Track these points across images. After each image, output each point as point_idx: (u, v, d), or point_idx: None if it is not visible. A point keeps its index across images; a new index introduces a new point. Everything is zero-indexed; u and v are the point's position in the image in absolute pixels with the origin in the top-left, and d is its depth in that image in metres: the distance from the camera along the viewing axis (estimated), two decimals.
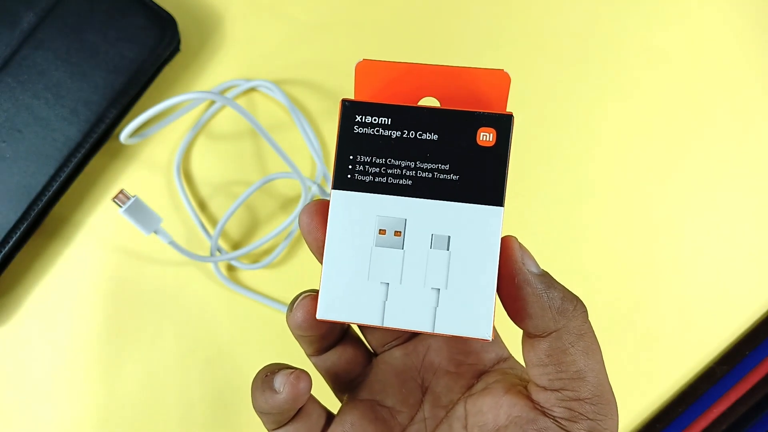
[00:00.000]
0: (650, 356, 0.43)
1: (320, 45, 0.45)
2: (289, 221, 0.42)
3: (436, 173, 0.21)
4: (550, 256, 0.43)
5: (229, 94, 0.43)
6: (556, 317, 0.21)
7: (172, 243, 0.40)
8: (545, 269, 0.22)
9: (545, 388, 0.22)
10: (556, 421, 0.21)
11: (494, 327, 0.26)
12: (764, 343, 0.43)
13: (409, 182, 0.21)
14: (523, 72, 0.45)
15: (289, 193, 0.43)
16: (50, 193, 0.40)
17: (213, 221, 0.43)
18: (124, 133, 0.40)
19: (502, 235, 0.21)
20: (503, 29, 0.46)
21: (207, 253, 0.42)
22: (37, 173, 0.40)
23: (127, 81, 0.41)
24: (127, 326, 0.42)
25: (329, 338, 0.25)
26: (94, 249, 0.42)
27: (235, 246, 0.43)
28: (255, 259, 0.43)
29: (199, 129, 0.43)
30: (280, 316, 0.41)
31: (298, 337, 0.24)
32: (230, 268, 0.43)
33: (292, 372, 0.22)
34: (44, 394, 0.41)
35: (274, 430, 0.24)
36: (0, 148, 0.40)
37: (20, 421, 0.41)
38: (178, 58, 0.44)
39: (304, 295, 0.23)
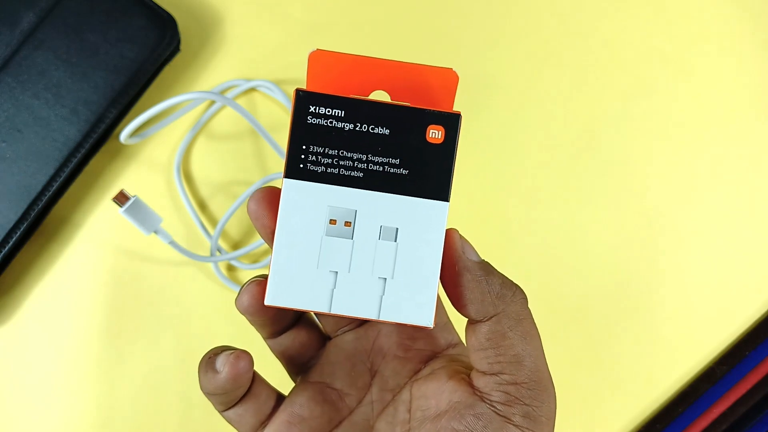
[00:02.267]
0: (650, 356, 0.43)
1: (320, 45, 0.45)
2: None
3: (386, 167, 0.22)
4: (551, 256, 0.44)
5: (229, 94, 0.43)
6: (495, 302, 0.22)
7: (172, 243, 0.40)
8: (486, 259, 0.23)
9: (485, 373, 0.22)
10: (493, 405, 0.22)
11: (445, 314, 0.26)
12: (764, 343, 0.43)
13: (360, 174, 0.22)
14: (523, 72, 0.45)
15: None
16: (50, 193, 0.40)
17: (213, 221, 0.43)
18: (124, 133, 0.40)
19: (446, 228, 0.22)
20: (504, 30, 0.46)
21: (207, 253, 0.42)
22: (37, 173, 0.40)
23: (127, 81, 0.41)
24: (127, 326, 0.42)
25: (282, 322, 0.26)
26: (94, 249, 0.42)
27: (235, 246, 0.43)
28: (255, 259, 0.43)
29: (199, 129, 0.43)
30: None
31: (250, 321, 0.25)
32: (230, 268, 0.43)
33: (232, 352, 0.23)
34: (44, 394, 0.41)
35: (223, 411, 0.25)
36: (0, 148, 0.40)
37: (20, 421, 0.41)
38: (178, 58, 0.44)
39: (251, 279, 0.23)
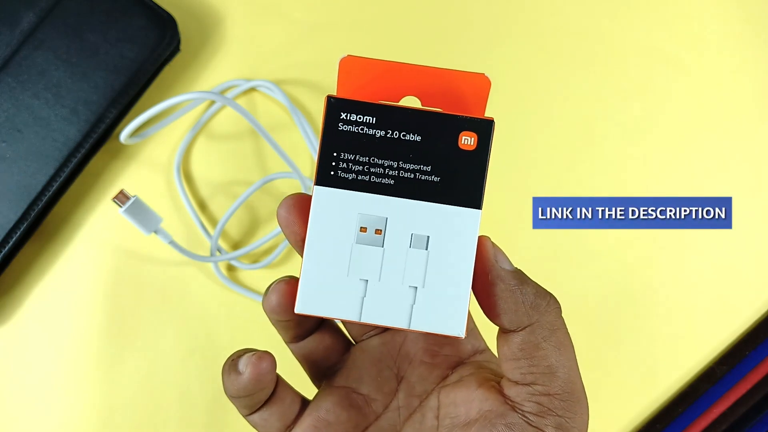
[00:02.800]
0: (650, 356, 0.43)
1: (320, 45, 0.45)
2: None
3: (417, 174, 0.21)
4: (550, 254, 0.44)
5: (229, 94, 0.43)
6: (530, 312, 0.21)
7: (172, 243, 0.40)
8: (519, 268, 0.23)
9: (517, 383, 0.22)
10: (525, 416, 0.21)
11: (471, 320, 0.26)
12: (764, 343, 0.43)
13: (392, 182, 0.21)
14: (523, 73, 0.45)
15: (289, 193, 0.43)
16: (50, 193, 0.40)
17: (213, 221, 0.43)
18: (124, 133, 0.40)
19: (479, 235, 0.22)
20: (504, 30, 0.46)
21: (207, 253, 0.42)
22: (37, 173, 0.40)
23: (127, 81, 0.41)
24: (127, 326, 0.42)
25: (306, 325, 0.25)
26: (95, 249, 0.42)
27: (235, 246, 0.43)
28: (255, 259, 0.43)
29: (199, 129, 0.43)
30: None
31: (274, 323, 0.24)
32: (230, 268, 0.43)
33: (255, 353, 0.23)
34: (44, 393, 0.41)
35: (248, 415, 0.24)
36: (0, 148, 0.40)
37: (21, 421, 0.41)
38: (178, 58, 0.44)
39: (279, 279, 0.23)
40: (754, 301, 0.44)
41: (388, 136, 0.21)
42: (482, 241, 0.22)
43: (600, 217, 0.44)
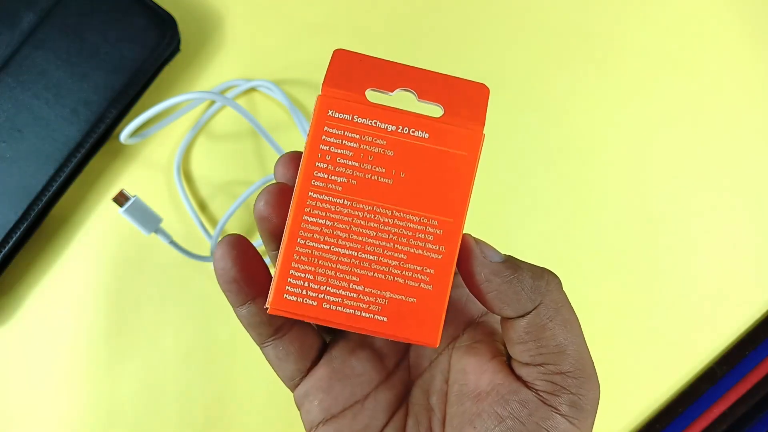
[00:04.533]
0: (650, 356, 0.43)
1: (320, 45, 0.45)
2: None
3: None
4: (551, 255, 0.43)
5: (229, 94, 0.43)
6: (532, 296, 0.21)
7: (172, 243, 0.40)
8: (508, 254, 0.22)
9: (528, 364, 0.22)
10: (538, 394, 0.21)
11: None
12: (764, 343, 0.43)
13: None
14: (522, 73, 0.45)
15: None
16: (50, 193, 0.40)
17: (213, 221, 0.43)
18: (124, 133, 0.40)
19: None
20: (504, 31, 0.46)
21: (207, 253, 0.42)
22: (37, 173, 0.40)
23: (127, 81, 0.41)
24: (127, 326, 0.42)
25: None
26: (94, 249, 0.42)
27: None
28: None
29: (199, 129, 0.43)
30: None
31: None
32: None
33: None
34: (44, 393, 0.41)
35: (262, 344, 0.24)
36: (0, 148, 0.40)
37: (20, 421, 0.41)
38: (178, 58, 0.44)
39: (270, 183, 0.22)
40: (754, 301, 0.44)
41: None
42: (465, 241, 0.22)
43: (600, 216, 0.44)
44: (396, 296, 0.21)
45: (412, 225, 0.21)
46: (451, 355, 0.24)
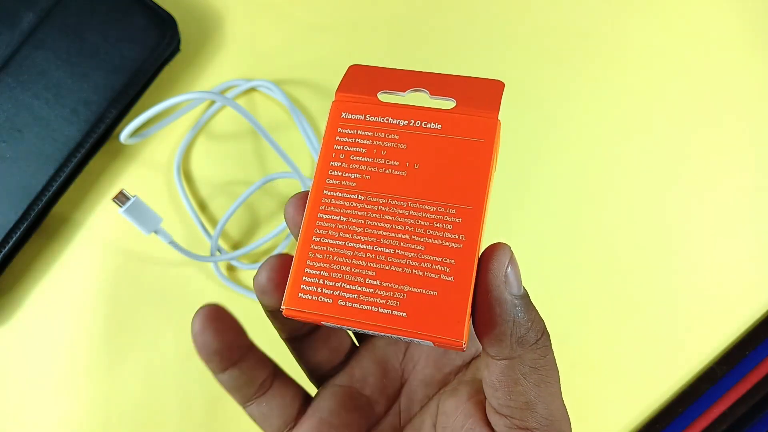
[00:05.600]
0: (650, 356, 0.43)
1: (320, 45, 0.45)
2: None
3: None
4: (551, 255, 0.43)
5: (229, 94, 0.43)
6: (514, 346, 0.20)
7: (172, 243, 0.40)
8: (526, 290, 0.21)
9: (495, 411, 0.21)
10: None
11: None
12: (764, 343, 0.43)
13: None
14: (522, 73, 0.45)
15: (289, 193, 0.43)
16: (50, 193, 0.40)
17: (213, 221, 0.43)
18: (124, 133, 0.40)
19: (496, 241, 0.21)
20: (504, 31, 0.46)
21: (207, 253, 0.42)
22: (37, 173, 0.40)
23: (127, 81, 0.41)
24: (127, 326, 0.42)
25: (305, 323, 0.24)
26: (94, 249, 0.42)
27: (235, 246, 0.43)
28: (255, 259, 0.43)
29: (199, 129, 0.43)
30: None
31: (268, 314, 0.23)
32: (230, 268, 0.43)
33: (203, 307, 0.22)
34: (44, 393, 0.41)
35: (244, 404, 0.24)
36: (0, 148, 0.40)
37: (20, 421, 0.41)
38: (178, 58, 0.44)
39: (272, 255, 0.22)
40: (754, 301, 0.44)
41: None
42: (497, 252, 0.20)
43: (600, 215, 0.44)
44: (415, 290, 0.20)
45: (428, 215, 0.20)
46: (440, 398, 0.24)
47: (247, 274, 0.43)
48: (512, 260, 0.20)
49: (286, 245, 0.43)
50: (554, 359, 0.21)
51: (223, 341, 0.22)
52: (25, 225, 0.39)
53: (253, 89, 0.44)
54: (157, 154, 0.43)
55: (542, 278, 0.43)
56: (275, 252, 0.43)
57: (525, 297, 0.20)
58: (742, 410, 0.42)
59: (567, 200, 0.44)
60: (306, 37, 0.45)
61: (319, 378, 0.26)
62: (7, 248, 0.39)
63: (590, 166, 0.44)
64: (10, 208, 0.39)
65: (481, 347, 0.25)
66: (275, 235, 0.42)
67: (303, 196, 0.22)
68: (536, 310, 0.21)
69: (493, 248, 0.20)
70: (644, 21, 0.46)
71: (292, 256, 0.21)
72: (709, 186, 0.44)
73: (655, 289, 0.43)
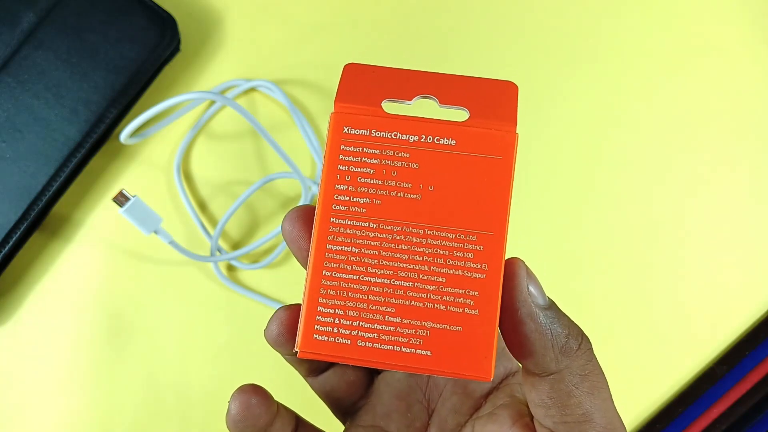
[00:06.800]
0: (650, 356, 0.43)
1: (320, 45, 0.45)
2: None
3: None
4: (551, 255, 0.43)
5: (229, 94, 0.43)
6: (559, 357, 0.19)
7: (172, 243, 0.40)
8: (551, 297, 0.20)
9: (551, 430, 0.20)
10: None
11: (501, 339, 0.23)
12: (764, 343, 0.43)
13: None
14: (523, 74, 0.45)
15: (289, 193, 0.43)
16: (50, 192, 0.40)
17: (213, 221, 0.43)
18: (124, 133, 0.40)
19: (509, 257, 0.20)
20: (505, 30, 0.46)
21: (207, 253, 0.42)
22: (37, 173, 0.40)
23: (127, 81, 0.41)
24: (127, 326, 0.42)
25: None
26: (94, 249, 0.42)
27: (235, 246, 0.43)
28: (255, 259, 0.43)
29: (199, 129, 0.43)
30: None
31: (284, 358, 0.22)
32: (230, 268, 0.43)
33: (241, 386, 0.21)
34: (44, 393, 0.41)
35: None
36: (0, 148, 0.40)
37: (20, 421, 0.41)
38: (178, 58, 0.44)
39: (281, 307, 0.21)
40: (754, 301, 0.43)
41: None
42: (514, 266, 0.19)
43: (599, 215, 0.44)
44: (438, 326, 0.19)
45: (447, 243, 0.19)
46: (474, 425, 0.23)
47: (247, 274, 0.43)
48: (530, 273, 0.20)
49: (286, 245, 0.43)
50: (598, 363, 0.20)
51: (257, 425, 0.21)
52: (25, 225, 0.39)
53: (253, 89, 0.44)
54: (157, 154, 0.43)
55: (542, 278, 0.43)
56: (275, 253, 0.43)
57: (554, 306, 0.20)
58: (742, 410, 0.42)
59: (565, 200, 0.44)
60: (306, 37, 0.45)
61: (344, 413, 0.25)
62: (7, 248, 0.39)
63: (590, 165, 0.44)
64: (10, 208, 0.39)
65: (509, 366, 0.24)
66: (275, 235, 0.42)
67: (301, 212, 0.20)
68: (568, 317, 0.20)
69: (507, 265, 0.19)
70: (642, 20, 0.46)
71: (301, 305, 0.20)
72: (710, 186, 0.44)
73: (654, 290, 0.43)
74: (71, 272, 0.42)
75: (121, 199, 0.38)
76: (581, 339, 0.20)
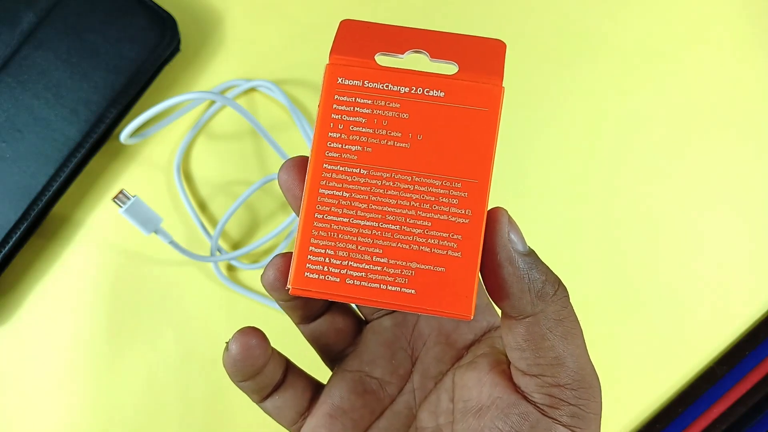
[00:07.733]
0: (650, 356, 0.43)
1: (320, 45, 0.45)
2: (289, 221, 0.42)
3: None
4: (551, 254, 0.43)
5: (229, 94, 0.43)
6: (535, 301, 0.20)
7: (172, 243, 0.40)
8: (532, 248, 0.21)
9: (525, 373, 0.21)
10: (537, 406, 0.21)
11: (485, 294, 0.25)
12: (764, 343, 0.43)
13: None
14: (522, 72, 0.45)
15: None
16: (50, 193, 0.40)
17: (213, 221, 0.43)
18: (124, 133, 0.40)
19: (493, 206, 0.21)
20: (505, 30, 0.46)
21: (207, 253, 0.42)
22: (37, 173, 0.40)
23: (127, 81, 0.41)
24: (127, 326, 0.42)
25: (314, 305, 0.24)
26: (94, 249, 0.42)
27: (235, 246, 0.43)
28: (255, 259, 0.43)
29: (199, 129, 0.43)
30: (280, 316, 0.42)
31: (278, 304, 0.24)
32: (230, 268, 0.43)
33: (241, 329, 0.22)
34: (44, 393, 0.41)
35: (260, 402, 0.24)
36: (0, 148, 0.40)
37: (20, 421, 0.41)
38: (178, 58, 0.44)
39: (278, 254, 0.22)
40: (754, 301, 0.44)
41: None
42: (497, 215, 0.20)
43: (599, 215, 0.44)
44: (423, 266, 0.20)
45: (434, 189, 0.20)
46: (455, 373, 0.24)
47: (247, 274, 0.43)
48: (512, 222, 0.21)
49: (286, 245, 0.43)
50: (574, 311, 0.21)
51: (254, 366, 0.23)
52: (25, 225, 0.39)
53: (253, 89, 0.44)
54: (157, 154, 0.43)
55: None
56: (276, 251, 0.42)
57: (533, 254, 0.21)
58: (742, 410, 0.42)
59: (566, 199, 0.44)
60: (306, 37, 0.45)
61: (332, 360, 0.26)
62: (7, 248, 0.39)
63: (591, 165, 0.44)
64: (10, 208, 0.39)
65: (492, 321, 0.25)
66: (275, 235, 0.42)
67: (297, 162, 0.21)
68: (547, 266, 0.21)
69: (490, 213, 0.20)
70: (643, 20, 0.46)
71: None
72: (710, 185, 0.44)
73: (654, 289, 0.43)
74: (71, 272, 0.42)
75: (121, 199, 0.38)
76: (558, 286, 0.21)
